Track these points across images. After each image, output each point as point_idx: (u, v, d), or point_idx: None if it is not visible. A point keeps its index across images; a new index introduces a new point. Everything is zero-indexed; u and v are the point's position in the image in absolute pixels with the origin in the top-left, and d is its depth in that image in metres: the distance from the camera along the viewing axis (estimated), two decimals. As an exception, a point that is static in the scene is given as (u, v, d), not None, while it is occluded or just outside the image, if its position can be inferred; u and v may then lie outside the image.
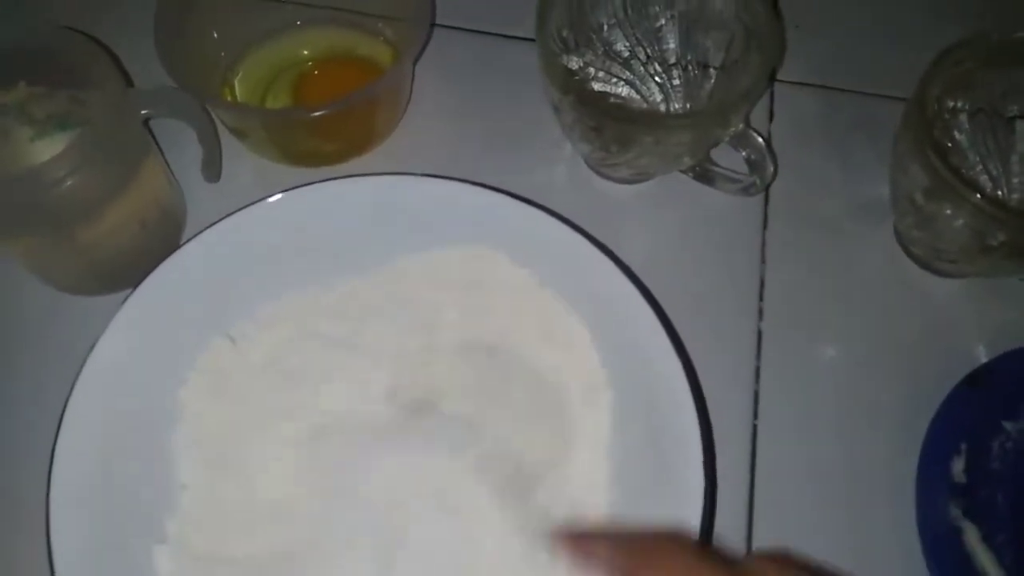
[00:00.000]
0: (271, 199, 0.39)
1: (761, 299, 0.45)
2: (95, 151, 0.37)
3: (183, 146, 0.45)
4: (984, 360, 0.42)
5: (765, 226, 0.47)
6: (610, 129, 0.42)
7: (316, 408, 0.38)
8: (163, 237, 0.44)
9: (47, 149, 0.40)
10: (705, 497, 0.34)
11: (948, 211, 0.40)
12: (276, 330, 0.40)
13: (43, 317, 0.43)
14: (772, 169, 0.43)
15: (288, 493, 0.36)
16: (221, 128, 0.46)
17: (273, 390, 0.38)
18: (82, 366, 0.35)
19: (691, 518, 0.33)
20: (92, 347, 0.36)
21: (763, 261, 0.46)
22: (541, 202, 0.40)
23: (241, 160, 0.47)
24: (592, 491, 0.36)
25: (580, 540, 0.31)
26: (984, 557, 0.37)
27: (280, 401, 0.38)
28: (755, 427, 0.41)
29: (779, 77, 0.52)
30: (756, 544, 0.39)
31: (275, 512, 0.36)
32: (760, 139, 0.43)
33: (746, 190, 0.45)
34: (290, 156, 0.48)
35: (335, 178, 0.40)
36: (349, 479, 0.36)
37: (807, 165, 0.49)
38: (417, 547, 0.35)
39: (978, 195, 0.38)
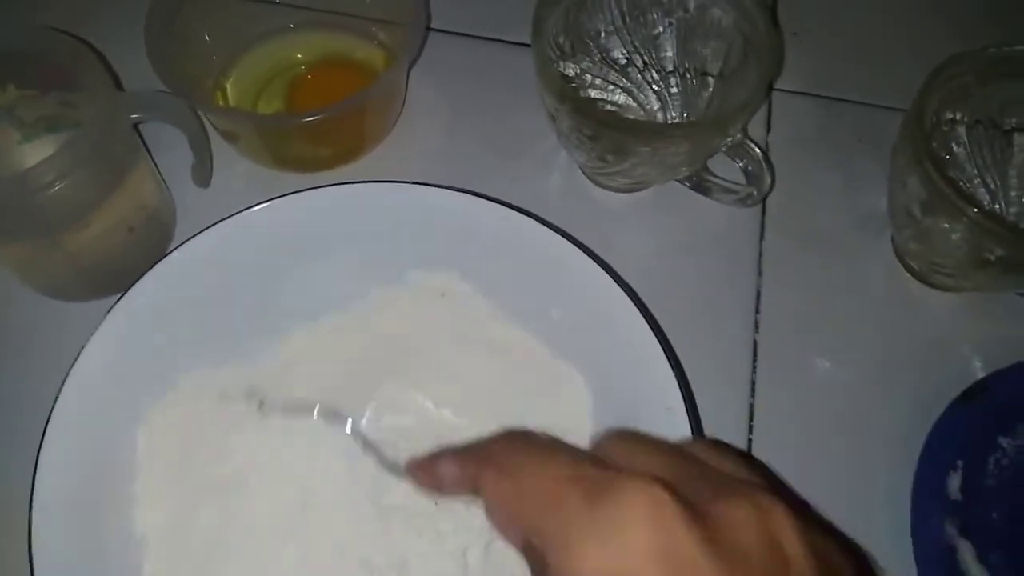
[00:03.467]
0: (258, 207, 0.39)
1: (757, 311, 0.44)
2: (84, 155, 0.36)
3: (173, 150, 0.44)
4: (980, 375, 0.42)
5: (762, 237, 0.46)
6: (606, 138, 0.42)
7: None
8: (152, 242, 0.43)
9: (36, 152, 0.39)
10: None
11: (945, 224, 0.40)
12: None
13: (30, 322, 0.43)
14: (769, 180, 0.43)
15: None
16: (212, 132, 0.46)
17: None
18: (67, 375, 0.35)
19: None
20: (78, 356, 0.35)
21: (759, 273, 0.45)
22: (535, 211, 0.40)
23: (232, 164, 0.47)
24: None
25: (425, 464, 0.27)
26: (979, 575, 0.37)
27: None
28: (750, 441, 0.41)
29: (777, 86, 0.51)
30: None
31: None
32: (758, 150, 0.42)
33: (743, 201, 0.44)
34: (282, 161, 0.47)
35: (325, 185, 0.40)
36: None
37: (805, 176, 0.48)
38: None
39: (975, 209, 0.38)
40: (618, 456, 0.24)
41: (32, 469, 0.33)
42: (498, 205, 0.40)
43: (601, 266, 0.38)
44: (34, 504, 0.33)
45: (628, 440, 0.25)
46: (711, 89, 0.47)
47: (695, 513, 0.21)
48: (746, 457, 0.25)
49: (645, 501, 0.21)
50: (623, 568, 0.20)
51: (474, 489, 0.25)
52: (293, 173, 0.47)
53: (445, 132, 0.49)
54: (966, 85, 0.43)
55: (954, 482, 0.38)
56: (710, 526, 0.21)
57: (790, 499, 0.22)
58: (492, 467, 0.24)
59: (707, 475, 0.23)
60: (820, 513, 0.38)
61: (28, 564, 0.32)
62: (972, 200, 0.38)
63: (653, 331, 0.37)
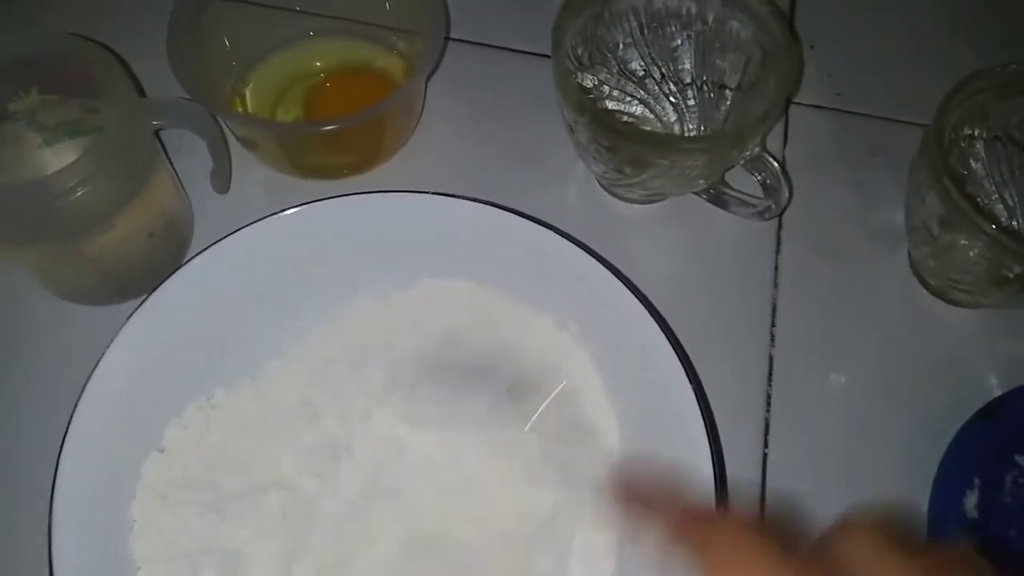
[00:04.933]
0: (277, 215, 0.39)
1: (773, 325, 0.44)
2: (106, 161, 0.36)
3: (192, 155, 0.44)
4: (997, 393, 0.42)
5: (778, 251, 0.46)
6: (624, 150, 0.42)
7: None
8: (171, 248, 0.43)
9: (57, 156, 0.39)
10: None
11: (964, 241, 0.40)
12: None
13: (49, 327, 0.43)
14: (787, 194, 0.43)
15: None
16: (231, 138, 0.46)
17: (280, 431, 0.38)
18: (88, 379, 0.35)
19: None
20: (99, 360, 0.35)
21: (775, 286, 0.45)
22: (552, 221, 0.40)
23: (251, 171, 0.47)
24: (600, 524, 0.36)
25: (634, 500, 0.28)
26: (996, 595, 0.37)
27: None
28: (765, 456, 0.41)
29: (795, 100, 0.51)
30: None
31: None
32: (776, 163, 0.42)
33: (760, 214, 0.44)
34: (300, 168, 0.47)
35: (344, 194, 0.40)
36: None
37: (822, 189, 0.48)
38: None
39: (994, 226, 0.38)
40: (855, 564, 0.23)
41: (52, 473, 0.33)
42: (515, 215, 0.40)
43: (619, 278, 0.38)
44: (55, 506, 0.33)
45: (870, 545, 0.24)
46: (729, 102, 0.47)
47: None
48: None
49: None
50: None
51: (688, 546, 0.25)
52: (311, 180, 0.47)
53: (463, 142, 0.49)
54: (985, 102, 0.43)
55: (971, 500, 0.38)
56: None
57: None
58: (723, 542, 0.25)
59: None
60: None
61: (48, 566, 0.32)
62: (991, 217, 0.38)
63: (670, 343, 0.37)
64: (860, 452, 0.41)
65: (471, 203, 0.40)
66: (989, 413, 0.40)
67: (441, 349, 0.40)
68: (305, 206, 0.39)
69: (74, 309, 0.43)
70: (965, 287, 0.42)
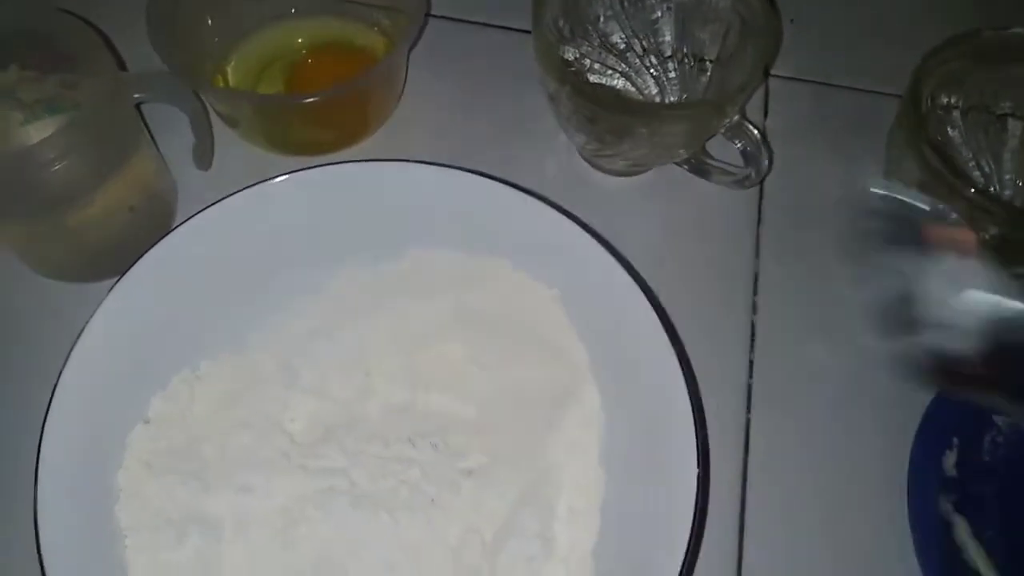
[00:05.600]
0: (263, 184, 0.39)
1: (755, 293, 0.45)
2: (86, 134, 0.36)
3: (175, 132, 0.44)
4: (976, 355, 0.42)
5: (760, 220, 0.47)
6: (606, 120, 0.42)
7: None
8: (152, 223, 0.43)
9: (39, 133, 0.39)
10: (698, 490, 0.33)
11: (941, 206, 0.40)
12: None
13: (31, 304, 0.43)
14: (767, 162, 0.43)
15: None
16: (213, 116, 0.46)
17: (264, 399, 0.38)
18: (70, 352, 0.35)
19: (684, 510, 0.33)
20: (79, 334, 0.35)
21: (757, 255, 0.46)
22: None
23: (233, 148, 0.47)
24: (584, 487, 0.36)
25: None
26: (974, 551, 0.37)
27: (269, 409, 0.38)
28: (748, 420, 0.41)
29: (774, 71, 0.52)
30: (747, 536, 0.39)
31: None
32: (756, 131, 0.43)
33: (741, 183, 0.45)
34: (282, 145, 0.47)
35: (326, 164, 0.40)
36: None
37: (802, 160, 0.49)
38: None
39: (971, 189, 0.38)
40: None
41: (35, 451, 0.33)
42: (502, 184, 0.40)
43: (604, 246, 0.38)
44: (40, 476, 0.33)
45: None
46: (709, 74, 0.47)
47: None
48: None
49: None
50: None
51: None
52: (293, 157, 0.47)
53: (444, 116, 0.49)
54: (960, 69, 0.43)
55: (950, 460, 0.39)
56: None
57: None
58: None
59: None
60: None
61: (36, 550, 0.32)
62: (969, 180, 0.39)
63: (654, 310, 0.37)
64: (841, 415, 0.42)
65: (458, 172, 0.40)
66: (968, 375, 0.41)
67: (427, 319, 0.41)
68: (290, 175, 0.39)
69: (58, 286, 0.43)
70: (943, 252, 0.43)
